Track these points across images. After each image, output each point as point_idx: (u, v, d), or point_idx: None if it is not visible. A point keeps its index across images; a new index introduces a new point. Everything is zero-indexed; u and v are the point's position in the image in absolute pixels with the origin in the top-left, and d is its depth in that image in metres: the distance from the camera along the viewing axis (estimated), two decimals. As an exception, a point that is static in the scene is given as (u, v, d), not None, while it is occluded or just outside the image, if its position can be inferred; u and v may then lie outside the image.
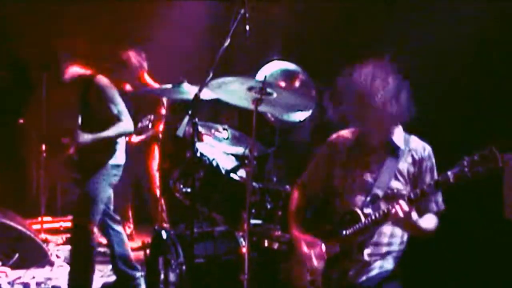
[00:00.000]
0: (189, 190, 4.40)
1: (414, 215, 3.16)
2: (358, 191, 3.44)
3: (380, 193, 3.37)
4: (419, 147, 3.48)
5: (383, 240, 3.43)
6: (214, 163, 4.41)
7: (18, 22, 7.26)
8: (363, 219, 3.30)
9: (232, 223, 4.35)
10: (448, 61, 4.69)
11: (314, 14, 6.05)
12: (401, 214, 3.10)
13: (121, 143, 5.27)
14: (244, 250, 3.94)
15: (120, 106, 5.07)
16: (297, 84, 4.39)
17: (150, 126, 6.05)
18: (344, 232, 3.34)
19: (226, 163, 4.56)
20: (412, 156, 3.44)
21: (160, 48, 6.61)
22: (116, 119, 5.03)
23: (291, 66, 4.43)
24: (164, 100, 6.58)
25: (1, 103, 7.44)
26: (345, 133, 3.64)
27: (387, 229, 3.41)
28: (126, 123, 5.07)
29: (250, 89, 3.92)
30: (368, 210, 3.33)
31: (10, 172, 7.60)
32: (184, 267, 4.11)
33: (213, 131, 4.77)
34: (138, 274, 5.43)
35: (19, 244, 6.01)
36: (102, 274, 5.96)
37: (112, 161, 5.18)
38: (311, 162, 3.74)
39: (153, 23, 7.05)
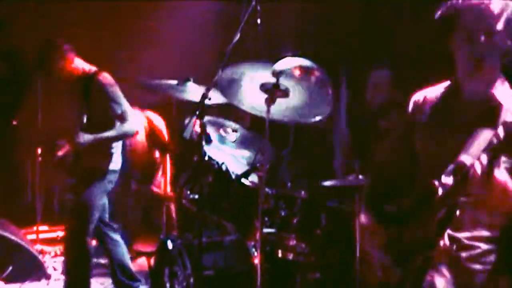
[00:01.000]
0: (196, 196, 4.36)
1: (501, 173, 2.63)
2: (442, 158, 2.80)
3: (468, 161, 2.69)
4: None
5: (471, 217, 2.79)
6: (224, 167, 4.38)
7: (17, 19, 7.30)
8: (440, 190, 2.70)
9: (244, 231, 4.32)
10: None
11: (329, 8, 6.04)
12: (479, 173, 2.58)
13: (118, 146, 5.25)
14: (256, 261, 3.92)
15: (124, 106, 5.06)
16: (312, 81, 4.36)
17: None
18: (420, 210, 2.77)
19: (236, 167, 4.53)
20: None
21: (167, 45, 6.62)
22: (121, 119, 5.01)
23: (306, 62, 4.39)
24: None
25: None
26: (433, 90, 3.08)
27: (474, 203, 2.77)
28: (131, 124, 5.06)
29: (262, 86, 3.92)
30: (447, 180, 2.71)
31: (3, 176, 7.61)
32: (191, 280, 4.08)
33: (221, 130, 4.74)
34: (141, 286, 5.42)
35: (13, 256, 6.00)
36: (104, 287, 5.96)
37: (111, 167, 5.16)
38: (384, 136, 3.37)
39: (159, 20, 7.07)
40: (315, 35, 6.26)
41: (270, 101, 3.87)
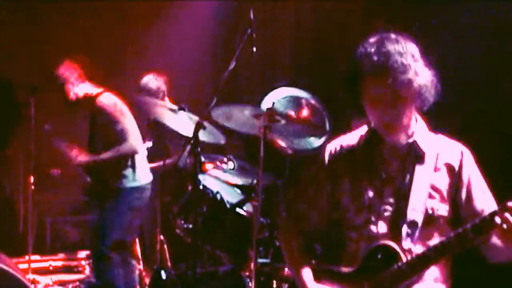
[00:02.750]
0: (190, 226, 4.41)
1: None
2: (381, 216, 2.81)
3: (418, 217, 2.75)
4: (453, 149, 2.86)
5: (426, 283, 2.79)
6: (218, 197, 4.43)
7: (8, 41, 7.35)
8: (403, 257, 2.72)
9: (238, 262, 4.35)
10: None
11: (326, 36, 6.13)
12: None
13: (138, 162, 5.34)
14: (251, 291, 3.96)
15: (122, 124, 5.16)
16: (306, 111, 4.43)
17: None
18: (376, 277, 2.75)
19: (231, 196, 4.59)
20: (446, 162, 2.83)
21: (163, 63, 6.69)
22: (121, 139, 5.13)
23: (300, 92, 4.47)
24: None
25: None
26: (348, 138, 3.01)
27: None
28: (130, 143, 5.16)
29: (257, 116, 4.00)
30: (408, 244, 2.75)
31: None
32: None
33: (218, 162, 4.81)
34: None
35: (5, 286, 6.00)
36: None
37: (130, 184, 5.25)
38: (302, 185, 3.13)
39: (153, 43, 7.15)
40: (310, 63, 6.34)
41: (265, 130, 3.95)
